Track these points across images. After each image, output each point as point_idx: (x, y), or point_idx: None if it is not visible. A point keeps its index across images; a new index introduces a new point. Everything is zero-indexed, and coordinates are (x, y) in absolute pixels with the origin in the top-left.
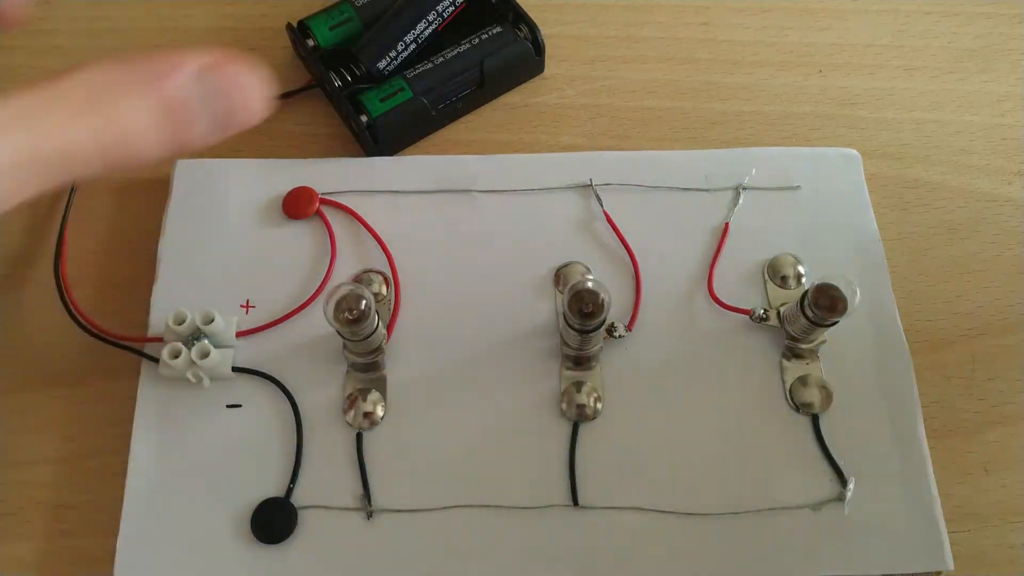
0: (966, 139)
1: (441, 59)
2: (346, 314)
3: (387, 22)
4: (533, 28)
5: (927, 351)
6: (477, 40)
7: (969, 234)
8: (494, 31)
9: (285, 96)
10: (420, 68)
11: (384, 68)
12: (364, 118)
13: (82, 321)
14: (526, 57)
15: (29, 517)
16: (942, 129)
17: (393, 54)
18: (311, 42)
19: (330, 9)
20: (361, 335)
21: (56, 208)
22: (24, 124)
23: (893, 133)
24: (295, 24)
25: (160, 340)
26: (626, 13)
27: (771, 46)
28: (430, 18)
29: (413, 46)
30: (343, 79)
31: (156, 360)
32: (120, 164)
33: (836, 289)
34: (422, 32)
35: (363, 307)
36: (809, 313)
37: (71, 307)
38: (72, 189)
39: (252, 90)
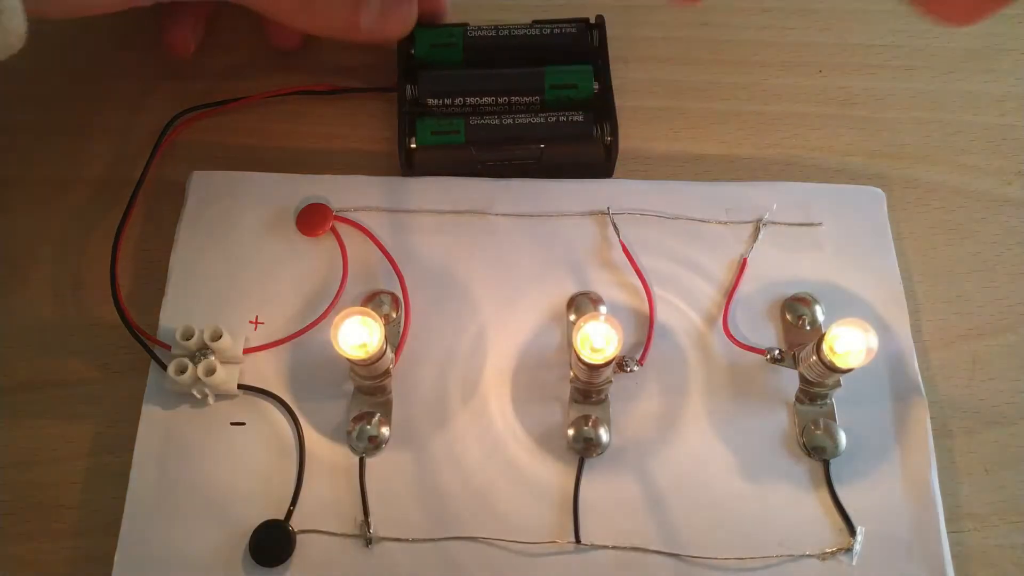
0: (966, 139)
1: (509, 121)
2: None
3: (467, 73)
4: (614, 132)
5: (927, 351)
6: (554, 119)
7: (969, 234)
8: (574, 118)
9: (366, 90)
10: (485, 120)
11: (432, 105)
12: (411, 142)
13: (126, 316)
14: (594, 160)
15: (29, 517)
16: (942, 129)
17: (448, 101)
18: (411, 49)
19: (442, 27)
20: (369, 361)
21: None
22: None
23: (893, 133)
24: None
25: (167, 347)
26: (626, 13)
27: (771, 46)
28: (500, 99)
29: (469, 109)
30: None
31: (163, 366)
32: None
33: (854, 335)
34: (482, 102)
35: (371, 336)
36: (825, 358)
37: (120, 303)
38: (135, 190)
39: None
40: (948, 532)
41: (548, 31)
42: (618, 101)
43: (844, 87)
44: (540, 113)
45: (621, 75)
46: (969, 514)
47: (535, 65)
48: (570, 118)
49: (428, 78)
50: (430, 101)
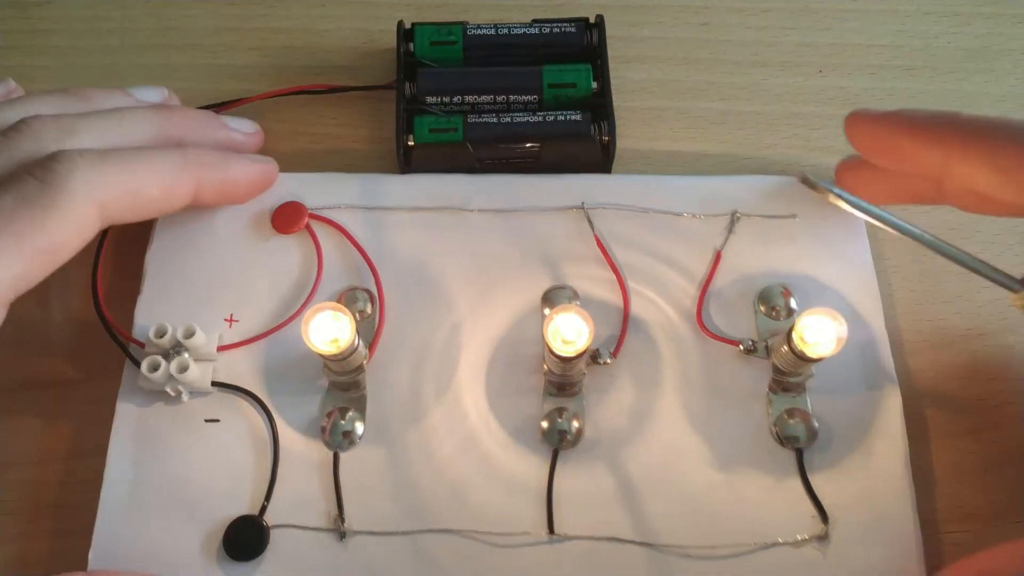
0: None
1: (508, 119)
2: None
3: (465, 71)
4: (612, 131)
5: (927, 351)
6: (552, 118)
7: (969, 234)
8: (572, 117)
9: (365, 88)
10: (483, 118)
11: (431, 103)
12: (409, 140)
13: (107, 319)
14: (591, 159)
15: (29, 517)
16: None
17: (447, 99)
18: (410, 46)
19: (442, 25)
20: (341, 356)
21: None
22: None
23: None
24: (406, 24)
25: (141, 345)
26: (626, 13)
27: (771, 46)
28: (498, 98)
29: (467, 107)
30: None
31: (138, 364)
32: None
33: (824, 324)
34: (480, 101)
35: (342, 331)
36: (796, 348)
37: (99, 301)
38: None
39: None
40: (948, 532)
41: (548, 30)
42: (618, 101)
43: (844, 87)
44: (538, 112)
45: (621, 75)
46: (969, 514)
47: (534, 64)
48: (568, 117)
49: (427, 76)
50: (428, 99)
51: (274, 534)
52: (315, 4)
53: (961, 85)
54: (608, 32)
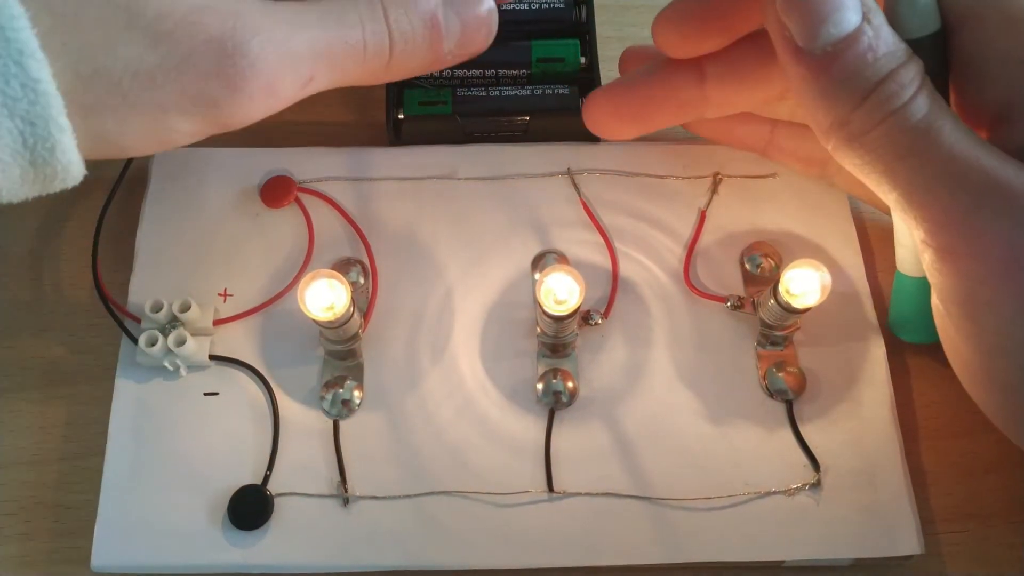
0: None
1: (496, 92)
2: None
3: None
4: None
5: (927, 351)
6: (540, 91)
7: None
8: (559, 91)
9: None
10: (472, 91)
11: (421, 81)
12: (399, 113)
13: (109, 303)
14: (579, 132)
15: (29, 517)
16: None
17: (436, 73)
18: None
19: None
20: (337, 324)
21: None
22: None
23: None
24: None
25: (138, 321)
26: (625, 13)
27: None
28: (488, 72)
29: (457, 81)
30: None
31: (135, 340)
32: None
33: (808, 275)
34: (470, 75)
35: (338, 298)
36: (782, 300)
37: (99, 278)
38: (122, 173)
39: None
40: (947, 532)
41: (537, 6)
42: None
43: None
44: (527, 86)
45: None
46: (969, 514)
47: (523, 39)
48: (556, 91)
49: None
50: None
51: (278, 502)
52: None
53: None
54: (608, 32)
